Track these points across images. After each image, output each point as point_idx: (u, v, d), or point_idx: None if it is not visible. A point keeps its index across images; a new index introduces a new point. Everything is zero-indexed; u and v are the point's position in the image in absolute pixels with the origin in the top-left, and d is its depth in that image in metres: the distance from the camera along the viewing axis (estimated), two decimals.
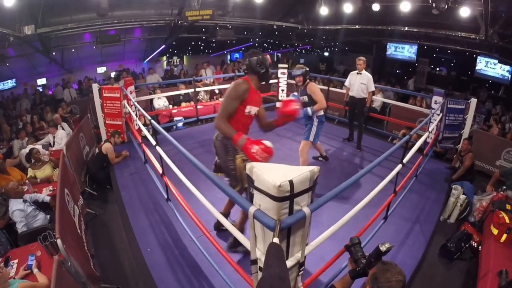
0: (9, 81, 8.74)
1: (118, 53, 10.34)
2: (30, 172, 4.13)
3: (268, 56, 2.37)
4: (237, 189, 2.32)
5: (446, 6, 6.22)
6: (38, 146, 4.71)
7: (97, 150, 4.46)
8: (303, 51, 14.22)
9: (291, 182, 1.30)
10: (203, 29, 9.51)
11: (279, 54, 14.56)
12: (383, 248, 1.26)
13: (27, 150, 4.38)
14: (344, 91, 5.55)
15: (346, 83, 5.02)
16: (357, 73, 4.77)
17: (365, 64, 4.77)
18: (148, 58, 11.30)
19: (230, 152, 2.32)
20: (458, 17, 6.80)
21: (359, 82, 4.73)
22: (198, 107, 6.27)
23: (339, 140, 5.47)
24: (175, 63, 11.79)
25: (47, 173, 4.13)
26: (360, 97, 4.80)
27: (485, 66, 8.85)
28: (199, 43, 12.38)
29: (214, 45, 12.33)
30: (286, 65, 7.28)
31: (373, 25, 8.95)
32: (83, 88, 9.46)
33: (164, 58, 12.29)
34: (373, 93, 4.91)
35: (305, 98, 3.80)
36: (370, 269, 1.27)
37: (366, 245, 2.49)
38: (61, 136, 5.30)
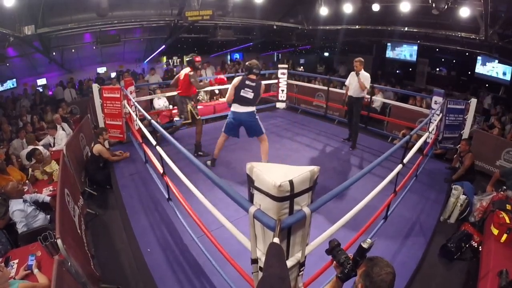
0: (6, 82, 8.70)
1: (118, 53, 10.32)
2: (31, 172, 4.13)
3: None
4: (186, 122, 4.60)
5: (446, 6, 6.23)
6: (40, 147, 4.69)
7: (89, 153, 4.43)
8: (303, 51, 14.22)
9: (291, 182, 1.30)
10: (203, 29, 9.50)
11: (279, 54, 14.56)
12: (365, 245, 1.28)
13: (27, 150, 4.37)
14: (344, 91, 5.58)
15: (346, 82, 5.10)
16: (356, 74, 4.81)
17: (362, 65, 4.75)
18: (148, 59, 11.28)
19: (184, 103, 4.54)
20: (458, 17, 6.80)
21: (356, 82, 4.78)
22: (198, 107, 6.27)
23: (339, 140, 5.47)
24: (174, 63, 11.78)
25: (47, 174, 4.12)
26: (357, 96, 4.85)
27: (485, 66, 8.85)
28: (199, 43, 12.35)
29: (214, 45, 12.31)
30: (286, 65, 7.28)
31: (373, 25, 8.95)
32: (83, 88, 9.46)
33: (164, 59, 12.27)
34: (373, 92, 4.91)
35: None
36: (357, 268, 1.28)
37: None
38: (61, 137, 5.29)
